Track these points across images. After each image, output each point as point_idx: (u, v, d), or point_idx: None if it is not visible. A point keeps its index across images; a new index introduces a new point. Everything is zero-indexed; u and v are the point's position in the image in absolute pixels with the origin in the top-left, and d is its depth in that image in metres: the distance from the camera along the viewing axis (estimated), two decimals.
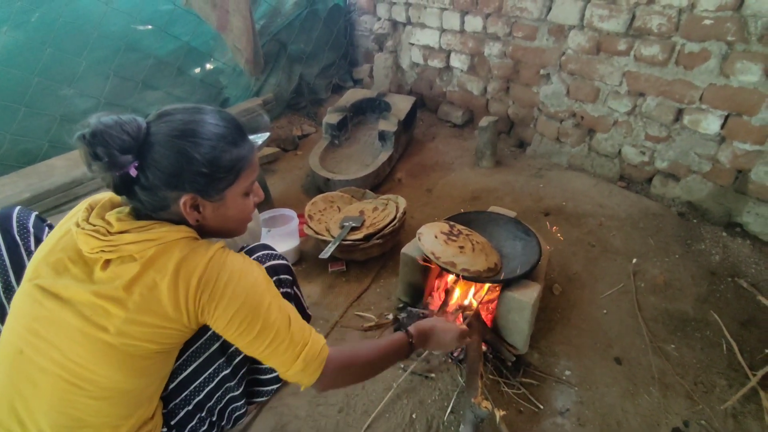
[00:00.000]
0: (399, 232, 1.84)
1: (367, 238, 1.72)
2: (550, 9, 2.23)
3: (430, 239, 1.40)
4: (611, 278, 1.71)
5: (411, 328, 1.07)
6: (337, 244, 1.67)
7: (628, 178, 2.25)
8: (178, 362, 0.93)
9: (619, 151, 2.22)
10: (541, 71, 2.39)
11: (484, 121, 2.41)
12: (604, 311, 1.57)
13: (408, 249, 1.52)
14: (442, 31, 2.85)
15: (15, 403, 0.78)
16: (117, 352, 0.77)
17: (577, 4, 2.10)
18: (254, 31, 2.55)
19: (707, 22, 1.71)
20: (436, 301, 1.54)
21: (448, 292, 1.49)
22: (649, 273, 1.72)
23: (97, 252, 0.77)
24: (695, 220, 1.97)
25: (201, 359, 0.95)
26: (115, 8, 2.20)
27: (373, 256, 1.79)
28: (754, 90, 1.68)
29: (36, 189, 1.90)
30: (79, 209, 0.84)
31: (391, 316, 1.55)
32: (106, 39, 2.23)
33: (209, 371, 0.96)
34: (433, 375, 1.35)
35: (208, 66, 2.78)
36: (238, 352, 0.97)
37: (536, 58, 2.39)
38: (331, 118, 2.59)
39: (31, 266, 0.82)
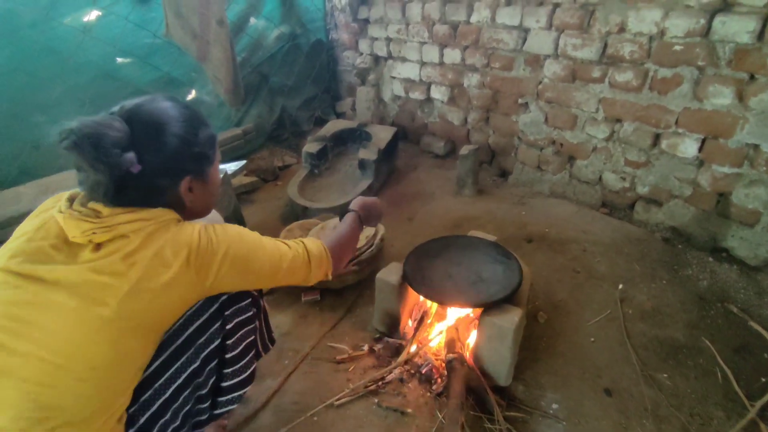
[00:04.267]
0: (376, 259, 1.76)
1: None
2: (525, 40, 2.27)
3: None
4: (597, 305, 1.64)
5: (353, 206, 1.24)
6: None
7: (610, 204, 2.22)
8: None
9: (600, 178, 2.20)
10: (520, 100, 2.41)
11: (464, 150, 2.39)
12: (592, 339, 1.49)
13: (384, 274, 1.45)
14: (422, 64, 2.90)
15: None
16: (113, 328, 0.74)
17: (551, 35, 2.15)
18: (235, 62, 2.56)
19: (677, 48, 1.74)
20: (412, 329, 1.45)
21: (422, 319, 1.40)
22: (636, 299, 1.65)
23: (89, 234, 0.75)
24: (680, 246, 1.93)
25: (169, 351, 0.87)
26: (94, 37, 2.19)
27: (348, 284, 1.71)
28: (727, 113, 1.69)
29: (1, 216, 1.82)
30: (57, 200, 0.82)
31: (366, 347, 1.45)
32: (83, 67, 2.21)
33: (178, 364, 0.88)
34: (410, 410, 1.23)
35: (189, 96, 2.77)
36: (206, 343, 0.92)
37: (514, 87, 2.42)
38: (310, 147, 2.56)
39: (1, 257, 0.77)
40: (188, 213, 0.89)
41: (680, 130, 1.83)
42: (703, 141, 1.78)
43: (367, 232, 1.79)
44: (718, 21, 1.62)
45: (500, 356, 1.26)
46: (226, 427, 1.18)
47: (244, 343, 1.01)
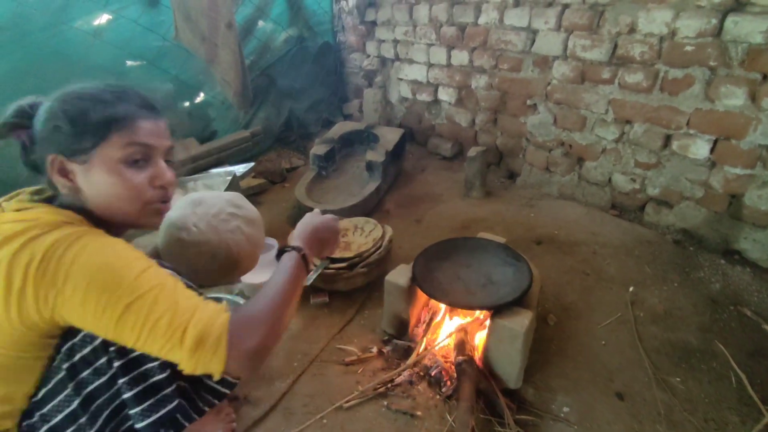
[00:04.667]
0: (385, 261, 1.75)
1: (351, 266, 1.64)
2: (533, 41, 2.27)
3: None
4: (608, 307, 1.62)
5: (296, 242, 0.96)
6: (320, 270, 1.58)
7: (620, 206, 2.20)
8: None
9: (610, 179, 2.19)
10: (528, 101, 2.40)
11: (472, 152, 2.39)
12: (603, 342, 1.48)
13: (393, 276, 1.44)
14: (430, 65, 2.90)
15: None
16: None
17: (559, 36, 2.13)
18: (243, 65, 2.57)
19: (689, 48, 1.73)
20: (421, 331, 1.44)
21: (431, 321, 1.40)
22: (647, 302, 1.64)
23: None
24: (692, 248, 1.91)
25: (54, 381, 0.77)
26: (104, 40, 2.21)
27: (357, 286, 1.70)
28: (740, 114, 1.67)
29: None
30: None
31: (375, 350, 1.44)
32: (93, 70, 2.23)
33: (61, 397, 0.77)
34: (419, 413, 1.23)
35: (197, 99, 2.79)
36: (91, 380, 0.77)
37: (522, 88, 2.41)
38: (318, 149, 2.57)
39: None
40: (97, 215, 0.79)
41: (691, 131, 1.81)
42: (715, 142, 1.76)
43: (375, 234, 1.79)
44: (730, 21, 1.60)
45: (510, 359, 1.25)
46: (235, 430, 1.18)
47: (144, 384, 0.80)
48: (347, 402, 1.25)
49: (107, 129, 0.77)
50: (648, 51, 1.85)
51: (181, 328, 0.67)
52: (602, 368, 1.38)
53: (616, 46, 1.95)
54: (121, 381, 0.78)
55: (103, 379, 0.78)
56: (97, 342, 0.76)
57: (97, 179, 0.77)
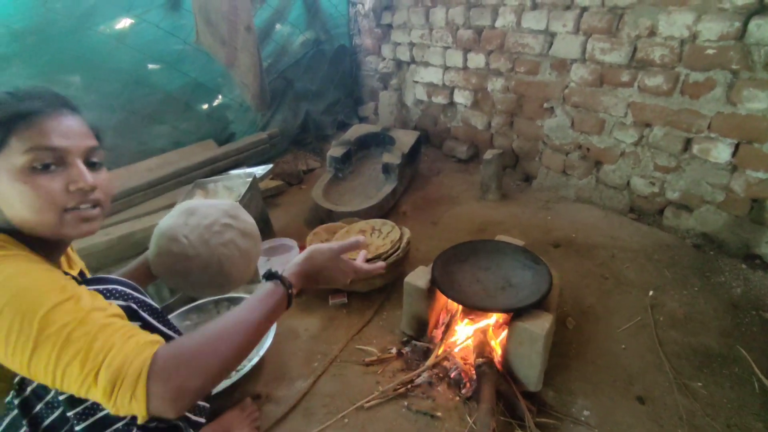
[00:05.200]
0: (403, 263, 1.77)
1: None
2: (551, 44, 2.26)
3: None
4: (627, 311, 1.61)
5: (289, 275, 0.84)
6: None
7: (638, 209, 2.19)
8: None
9: (628, 183, 2.17)
10: (545, 105, 2.40)
11: (488, 154, 2.39)
12: (623, 346, 1.47)
13: (412, 278, 1.45)
14: (446, 68, 2.91)
15: None
16: None
17: (578, 39, 2.13)
18: (261, 68, 2.61)
19: (710, 51, 1.71)
20: (439, 333, 1.45)
21: (450, 323, 1.41)
22: (667, 306, 1.63)
23: None
24: (712, 252, 1.89)
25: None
26: (127, 45, 2.26)
27: (375, 287, 1.72)
28: (763, 117, 1.65)
29: None
30: None
31: (394, 350, 1.46)
32: (116, 74, 2.28)
33: None
34: (439, 414, 1.24)
35: (215, 102, 2.83)
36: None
37: (539, 92, 2.41)
38: (335, 151, 2.59)
39: None
40: (28, 233, 0.72)
41: (713, 135, 1.80)
42: (737, 146, 1.75)
43: (393, 236, 1.80)
44: (753, 24, 1.59)
45: (530, 362, 1.25)
46: (259, 428, 1.20)
47: (95, 417, 0.72)
48: (368, 402, 1.27)
49: (5, 133, 0.67)
50: (668, 54, 1.84)
51: (94, 371, 0.59)
52: (622, 372, 1.38)
53: (635, 49, 1.94)
54: (71, 413, 0.70)
55: (56, 413, 0.72)
56: None
57: (4, 191, 0.68)
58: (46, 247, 0.73)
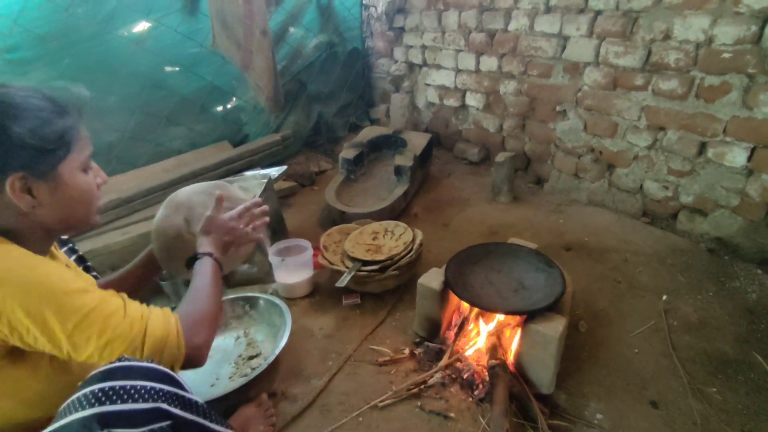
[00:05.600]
0: (415, 265, 1.78)
1: (383, 269, 1.67)
2: (564, 48, 2.27)
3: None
4: (640, 315, 1.61)
5: (206, 248, 1.03)
6: (353, 273, 1.63)
7: (651, 213, 2.18)
8: None
9: (641, 186, 2.17)
10: (557, 107, 2.40)
11: (500, 157, 2.40)
12: (635, 350, 1.47)
13: (425, 279, 1.47)
14: (458, 71, 2.92)
15: None
16: None
17: (591, 42, 2.13)
18: (276, 71, 2.64)
19: (726, 55, 1.71)
20: (452, 334, 1.47)
21: (463, 325, 1.42)
22: (681, 311, 1.62)
23: None
24: (727, 257, 1.88)
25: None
26: (145, 48, 2.31)
27: (388, 288, 1.74)
28: None
29: None
30: None
31: (407, 351, 1.47)
32: (135, 77, 2.33)
33: None
34: (452, 415, 1.25)
35: (230, 104, 2.88)
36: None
37: (552, 94, 2.41)
38: (347, 153, 2.62)
39: None
40: (47, 226, 0.81)
41: (728, 139, 1.79)
42: (753, 150, 1.74)
43: (405, 238, 1.82)
44: None
45: (543, 364, 1.26)
46: (275, 425, 1.22)
47: None
48: (382, 401, 1.28)
49: (69, 143, 0.79)
50: (683, 58, 1.83)
51: (140, 335, 0.76)
52: (635, 376, 1.38)
53: (649, 53, 1.94)
54: None
55: None
56: None
57: (63, 194, 0.79)
58: (40, 245, 0.83)
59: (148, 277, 1.24)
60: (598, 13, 2.09)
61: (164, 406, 0.69)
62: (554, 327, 1.23)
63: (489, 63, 2.69)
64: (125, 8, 2.22)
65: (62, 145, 0.77)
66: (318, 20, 3.10)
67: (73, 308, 0.71)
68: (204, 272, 0.97)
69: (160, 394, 0.70)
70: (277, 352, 1.35)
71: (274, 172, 2.11)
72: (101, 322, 0.73)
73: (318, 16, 3.09)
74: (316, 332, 1.59)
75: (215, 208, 1.09)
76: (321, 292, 1.81)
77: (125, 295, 0.82)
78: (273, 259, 1.75)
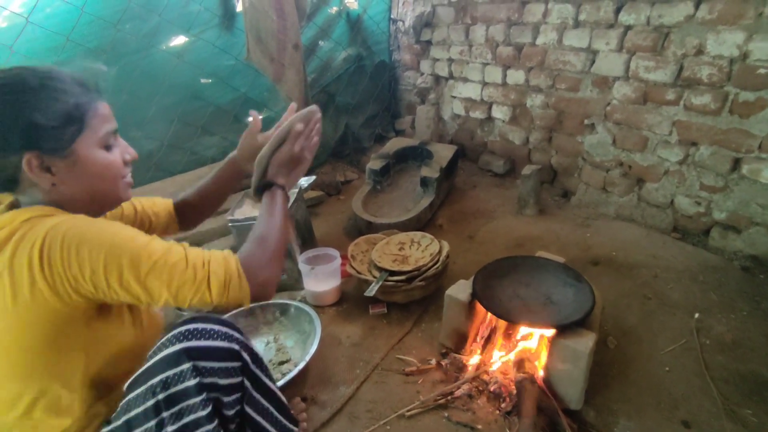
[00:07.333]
0: (441, 276, 1.80)
1: (410, 279, 1.70)
2: (593, 62, 2.27)
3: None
4: (671, 333, 1.59)
5: (275, 178, 1.02)
6: (380, 283, 1.66)
7: (682, 229, 2.14)
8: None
9: (672, 202, 2.14)
10: (586, 121, 2.40)
11: (527, 169, 2.40)
12: (666, 369, 1.45)
13: (453, 291, 1.49)
14: (484, 84, 2.94)
15: None
16: None
17: (621, 57, 2.13)
18: (306, 83, 2.72)
19: (762, 71, 1.69)
20: (479, 346, 1.48)
21: (490, 337, 1.43)
22: (714, 330, 1.59)
23: None
24: (762, 276, 1.83)
25: (130, 381, 0.80)
26: (185, 61, 2.41)
27: (414, 299, 1.76)
28: None
29: None
30: None
31: (434, 362, 1.49)
32: (175, 88, 2.44)
33: (131, 396, 0.78)
34: (479, 427, 1.26)
35: (262, 115, 2.96)
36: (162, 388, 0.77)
37: (580, 108, 2.41)
38: (374, 164, 2.66)
39: None
40: (77, 202, 0.82)
41: (764, 155, 1.76)
42: None
43: (432, 249, 1.84)
44: None
45: (573, 379, 1.26)
46: (306, 430, 1.25)
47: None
48: (409, 411, 1.30)
49: (82, 118, 0.79)
50: (717, 73, 1.82)
51: (205, 280, 0.79)
52: (666, 395, 1.36)
53: (681, 68, 1.93)
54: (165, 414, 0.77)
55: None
56: (149, 403, 0.75)
57: (82, 170, 0.80)
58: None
59: (227, 191, 1.30)
60: (629, 28, 2.08)
61: (236, 346, 0.84)
62: (584, 342, 1.23)
63: (516, 76, 2.70)
64: (168, 24, 2.33)
65: (74, 122, 0.78)
66: (347, 34, 3.17)
67: (142, 259, 0.76)
68: (273, 204, 0.98)
69: (234, 338, 0.85)
70: (307, 358, 1.39)
71: (304, 181, 2.17)
72: (168, 270, 0.77)
73: (347, 30, 3.17)
74: (344, 340, 1.63)
75: (250, 134, 1.18)
76: (348, 300, 1.85)
77: (186, 244, 0.85)
78: (303, 267, 1.79)
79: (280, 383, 1.32)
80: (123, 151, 0.89)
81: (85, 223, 0.76)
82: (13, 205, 0.81)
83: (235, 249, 0.92)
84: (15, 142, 0.74)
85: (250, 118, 1.21)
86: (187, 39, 2.48)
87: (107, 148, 0.85)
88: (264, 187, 1.02)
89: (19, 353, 0.75)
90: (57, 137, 0.76)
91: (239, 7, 2.53)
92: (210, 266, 0.81)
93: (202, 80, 2.64)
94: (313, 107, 1.11)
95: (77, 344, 0.79)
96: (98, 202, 0.87)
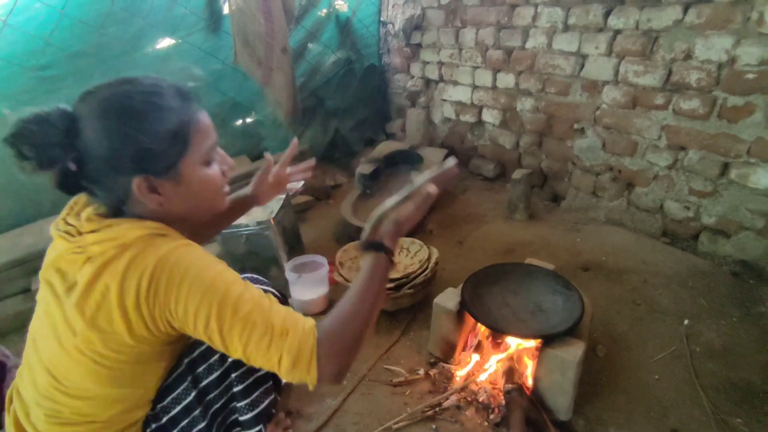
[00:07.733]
0: (430, 283, 1.78)
1: (398, 287, 1.67)
2: (583, 66, 2.26)
3: None
4: (661, 340, 1.58)
5: (385, 241, 0.90)
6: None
7: (671, 233, 2.14)
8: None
9: (661, 206, 2.13)
10: (575, 125, 2.39)
11: (517, 174, 2.39)
12: (656, 376, 1.44)
13: (442, 300, 1.47)
14: (474, 87, 2.93)
15: (24, 382, 0.85)
16: (86, 359, 0.76)
17: (611, 61, 2.12)
18: (295, 87, 2.70)
19: (750, 76, 1.68)
20: (468, 356, 1.45)
21: (479, 347, 1.41)
22: (704, 336, 1.58)
23: (69, 254, 0.76)
24: (752, 281, 1.83)
25: (174, 375, 0.91)
26: (170, 65, 2.38)
27: (403, 306, 1.73)
28: None
29: None
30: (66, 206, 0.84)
31: (422, 372, 1.46)
32: None
33: (179, 389, 0.92)
34: None
35: (249, 119, 2.93)
36: (205, 374, 0.93)
37: (570, 112, 2.40)
38: (363, 168, 2.64)
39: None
40: (179, 218, 0.84)
41: (752, 160, 1.76)
42: None
43: (421, 255, 1.82)
44: None
45: (561, 389, 1.24)
46: None
47: (252, 378, 1.00)
48: (396, 423, 1.28)
49: (186, 138, 0.78)
50: (705, 78, 1.81)
51: (277, 353, 0.75)
52: (656, 403, 1.34)
53: (670, 72, 1.92)
54: (233, 375, 0.95)
55: (216, 374, 0.93)
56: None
57: (186, 189, 0.81)
58: (182, 231, 0.84)
59: (225, 226, 1.33)
60: (618, 32, 2.08)
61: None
62: (573, 352, 1.21)
63: (506, 80, 2.69)
64: (152, 27, 2.29)
65: (179, 142, 0.77)
66: (336, 37, 3.15)
67: (228, 312, 0.74)
68: (369, 272, 0.86)
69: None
70: None
71: (294, 186, 2.14)
72: (249, 332, 0.75)
73: (336, 33, 3.14)
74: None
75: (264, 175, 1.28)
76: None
77: (273, 298, 0.81)
78: (289, 275, 1.76)
79: None
80: (221, 162, 0.88)
81: (193, 257, 0.77)
82: (107, 209, 0.80)
83: (221, 257, 0.91)
84: (126, 166, 0.75)
85: (265, 158, 1.29)
86: (172, 42, 2.44)
87: (208, 162, 0.84)
88: (372, 246, 0.90)
89: (116, 364, 0.78)
90: (163, 159, 0.77)
91: (226, 10, 2.49)
92: (287, 340, 0.75)
93: (189, 84, 2.60)
94: (452, 161, 1.02)
95: (162, 357, 0.86)
96: (198, 216, 0.88)
